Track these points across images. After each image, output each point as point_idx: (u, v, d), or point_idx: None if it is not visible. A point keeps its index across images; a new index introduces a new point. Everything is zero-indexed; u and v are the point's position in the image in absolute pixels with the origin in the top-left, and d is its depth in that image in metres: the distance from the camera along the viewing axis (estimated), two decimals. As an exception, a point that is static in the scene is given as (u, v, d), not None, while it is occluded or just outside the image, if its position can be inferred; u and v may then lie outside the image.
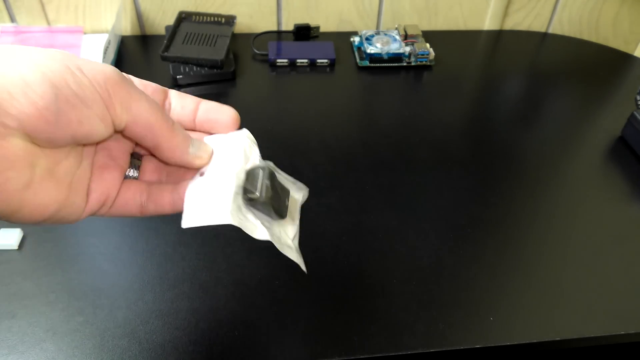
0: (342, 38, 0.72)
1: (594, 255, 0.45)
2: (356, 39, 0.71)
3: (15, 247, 0.43)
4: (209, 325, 0.38)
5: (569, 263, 0.44)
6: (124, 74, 0.24)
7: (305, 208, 0.27)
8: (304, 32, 0.71)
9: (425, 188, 0.51)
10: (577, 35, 0.79)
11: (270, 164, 0.28)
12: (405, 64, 0.68)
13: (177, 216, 0.26)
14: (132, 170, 0.28)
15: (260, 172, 0.26)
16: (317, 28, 0.72)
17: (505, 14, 0.76)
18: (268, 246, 0.26)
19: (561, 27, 0.79)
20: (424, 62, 0.68)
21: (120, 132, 0.24)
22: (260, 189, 0.26)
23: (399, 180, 0.51)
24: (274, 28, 0.74)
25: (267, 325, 0.39)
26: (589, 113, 0.62)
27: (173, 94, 0.29)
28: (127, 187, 0.27)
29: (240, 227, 0.24)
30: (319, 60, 0.67)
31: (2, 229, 0.43)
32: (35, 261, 0.42)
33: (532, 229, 0.47)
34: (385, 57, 0.67)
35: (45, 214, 0.23)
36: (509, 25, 0.78)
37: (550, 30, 0.79)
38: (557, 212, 0.49)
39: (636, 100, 0.59)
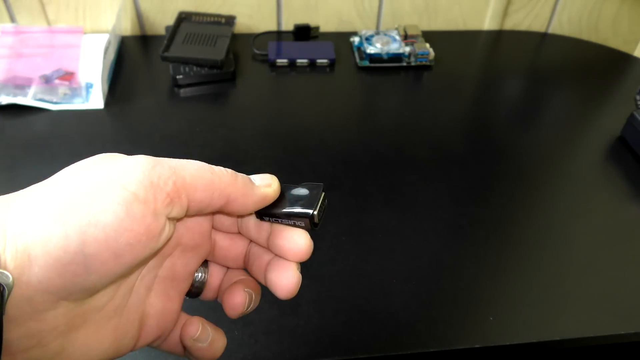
0: (342, 38, 0.72)
1: (594, 255, 0.45)
2: (356, 39, 0.71)
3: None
4: (209, 325, 0.38)
5: (569, 263, 0.44)
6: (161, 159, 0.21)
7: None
8: (303, 32, 0.71)
9: (425, 188, 0.51)
10: (577, 36, 0.79)
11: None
12: (405, 64, 0.68)
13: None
14: (199, 275, 0.26)
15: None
16: (317, 28, 0.72)
17: (505, 14, 0.76)
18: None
19: (561, 27, 0.79)
20: (423, 62, 0.68)
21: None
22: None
23: (399, 180, 0.51)
24: (274, 28, 0.74)
25: (267, 325, 0.39)
26: (589, 113, 0.62)
27: None
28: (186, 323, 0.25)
29: None
30: (318, 60, 0.67)
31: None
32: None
33: (532, 228, 0.47)
34: (385, 57, 0.67)
35: None
36: (509, 25, 0.78)
37: (550, 31, 0.79)
38: (557, 211, 0.49)
39: (636, 100, 0.59)
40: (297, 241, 0.24)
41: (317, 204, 0.24)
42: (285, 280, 0.24)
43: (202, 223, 0.25)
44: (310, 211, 0.24)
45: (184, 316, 0.26)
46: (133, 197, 0.19)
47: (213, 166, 0.22)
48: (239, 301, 0.25)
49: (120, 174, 0.19)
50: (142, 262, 0.21)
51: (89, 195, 0.18)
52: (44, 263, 0.17)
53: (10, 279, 0.17)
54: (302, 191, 0.25)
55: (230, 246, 0.26)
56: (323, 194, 0.24)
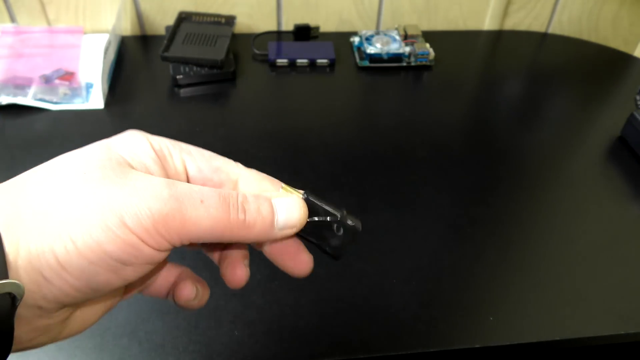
0: (342, 38, 0.72)
1: (593, 255, 0.45)
2: (356, 39, 0.71)
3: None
4: (208, 325, 0.38)
5: (569, 263, 0.44)
6: (179, 186, 0.21)
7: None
8: (304, 32, 0.71)
9: (425, 188, 0.51)
10: (577, 36, 0.79)
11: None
12: (405, 64, 0.68)
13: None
14: None
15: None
16: (317, 28, 0.72)
17: (505, 14, 0.76)
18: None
19: (561, 27, 0.79)
20: (423, 62, 0.68)
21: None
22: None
23: (399, 180, 0.51)
24: (274, 28, 0.74)
25: (267, 325, 0.39)
26: (589, 113, 0.62)
27: (247, 185, 0.25)
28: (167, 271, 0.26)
29: None
30: (319, 60, 0.67)
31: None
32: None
33: (532, 228, 0.47)
34: (385, 57, 0.67)
35: (83, 330, 0.23)
36: (509, 25, 0.78)
37: (550, 31, 0.79)
38: (556, 212, 0.49)
39: (636, 100, 0.59)
40: (305, 262, 0.25)
41: (346, 250, 0.25)
42: (301, 266, 0.25)
43: None
44: (336, 259, 0.25)
45: (167, 264, 0.26)
46: (137, 241, 0.19)
47: (234, 210, 0.21)
48: (242, 276, 0.25)
49: (129, 209, 0.19)
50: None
51: (100, 224, 0.19)
52: (59, 287, 0.19)
53: (22, 288, 0.18)
54: (338, 231, 0.25)
55: None
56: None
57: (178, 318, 0.39)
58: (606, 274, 0.44)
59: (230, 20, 0.68)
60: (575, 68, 0.70)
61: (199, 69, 0.63)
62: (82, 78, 0.61)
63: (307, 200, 0.24)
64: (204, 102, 0.61)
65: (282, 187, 0.24)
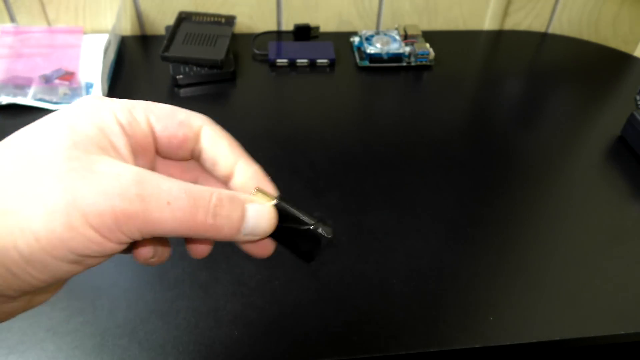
0: (342, 38, 0.72)
1: (593, 255, 0.45)
2: (356, 39, 0.71)
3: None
4: (208, 325, 0.38)
5: (569, 263, 0.44)
6: (147, 185, 0.20)
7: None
8: (304, 32, 0.71)
9: (425, 188, 0.51)
10: (577, 36, 0.79)
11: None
12: (405, 64, 0.68)
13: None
14: None
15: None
16: (317, 28, 0.72)
17: (505, 14, 0.76)
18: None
19: (561, 27, 0.79)
20: (423, 62, 0.68)
21: None
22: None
23: (399, 180, 0.51)
24: (274, 28, 0.74)
25: (267, 325, 0.39)
26: (589, 113, 0.62)
27: (206, 140, 0.26)
28: None
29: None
30: (319, 60, 0.67)
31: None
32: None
33: (531, 228, 0.47)
34: (385, 57, 0.67)
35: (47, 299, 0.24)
36: (509, 25, 0.78)
37: (550, 30, 0.79)
38: (556, 212, 0.49)
39: (636, 100, 0.59)
40: (266, 246, 0.25)
41: (317, 255, 0.25)
42: (266, 252, 0.25)
43: (147, 153, 0.24)
44: (307, 262, 0.25)
45: None
46: (99, 238, 0.20)
47: (202, 213, 0.21)
48: (203, 249, 0.26)
49: (92, 208, 0.19)
50: None
51: (64, 223, 0.19)
52: (24, 280, 0.20)
53: None
54: (309, 236, 0.25)
55: (179, 175, 0.27)
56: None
57: (178, 318, 0.39)
58: (606, 273, 0.44)
59: (230, 20, 0.68)
60: (575, 68, 0.70)
61: (199, 69, 0.63)
62: (82, 78, 0.61)
63: (279, 206, 0.24)
64: (204, 102, 0.61)
65: (257, 189, 0.24)
